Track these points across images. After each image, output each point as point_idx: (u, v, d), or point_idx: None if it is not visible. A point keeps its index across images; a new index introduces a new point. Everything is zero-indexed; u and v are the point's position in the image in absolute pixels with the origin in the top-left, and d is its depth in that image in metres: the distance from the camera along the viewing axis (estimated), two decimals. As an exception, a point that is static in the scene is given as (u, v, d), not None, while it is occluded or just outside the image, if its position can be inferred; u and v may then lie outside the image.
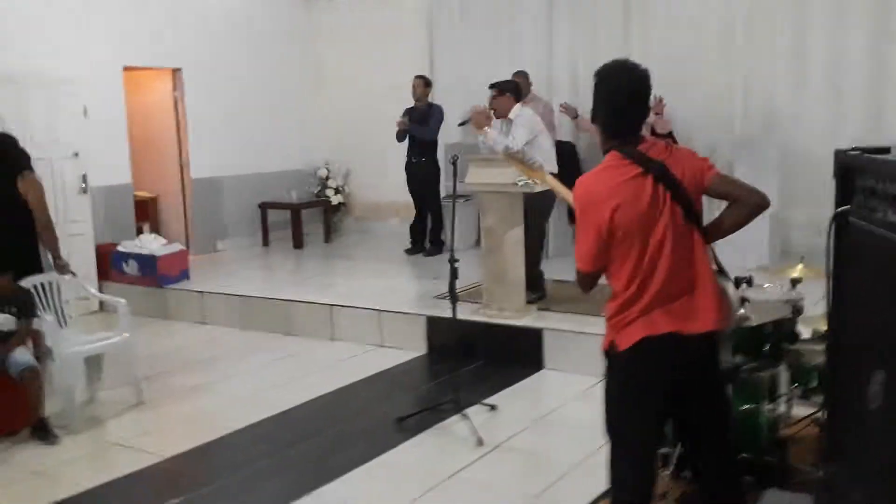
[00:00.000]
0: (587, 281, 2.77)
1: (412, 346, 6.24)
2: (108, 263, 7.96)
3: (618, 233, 2.61)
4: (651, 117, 6.88)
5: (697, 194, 2.67)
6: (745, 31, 7.87)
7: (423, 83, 8.74)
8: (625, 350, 2.65)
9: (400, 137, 8.67)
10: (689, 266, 2.63)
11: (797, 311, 3.90)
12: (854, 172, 2.29)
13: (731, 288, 2.81)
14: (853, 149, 2.30)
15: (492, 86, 6.60)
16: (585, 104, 8.41)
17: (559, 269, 6.67)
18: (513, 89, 6.50)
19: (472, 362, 5.80)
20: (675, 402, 2.74)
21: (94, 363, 5.35)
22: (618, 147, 2.68)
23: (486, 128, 6.15)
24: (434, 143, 8.69)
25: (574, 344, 5.60)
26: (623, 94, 2.69)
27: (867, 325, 2.25)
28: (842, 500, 2.44)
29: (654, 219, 2.59)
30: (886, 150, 2.11)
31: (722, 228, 2.73)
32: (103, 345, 5.31)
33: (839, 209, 2.34)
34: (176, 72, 9.15)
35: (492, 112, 6.37)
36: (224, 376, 5.92)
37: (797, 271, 4.03)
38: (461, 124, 6.97)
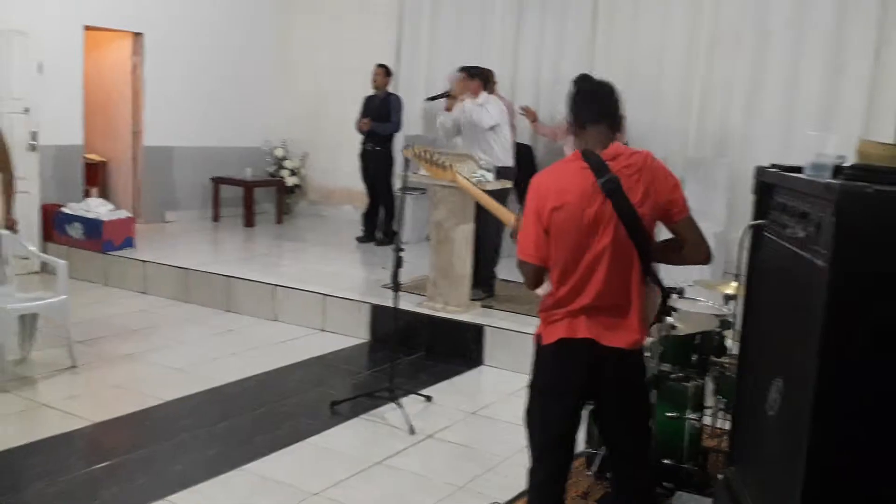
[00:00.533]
0: (527, 272, 2.77)
1: (354, 333, 6.25)
2: (53, 224, 7.83)
3: (552, 230, 2.64)
4: None
5: (654, 220, 2.67)
6: (705, 54, 8.03)
7: (384, 72, 8.72)
8: (546, 345, 2.73)
9: (361, 131, 8.64)
10: (624, 284, 2.64)
11: (726, 324, 4.00)
12: (771, 188, 2.37)
13: (657, 296, 2.83)
14: (771, 166, 2.38)
15: (462, 69, 6.66)
16: (546, 109, 8.69)
17: (506, 268, 6.72)
18: (481, 75, 6.59)
19: (412, 353, 5.85)
20: (594, 406, 2.85)
21: (28, 322, 5.26)
22: (584, 150, 2.68)
23: (466, 98, 6.24)
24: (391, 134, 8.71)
25: (514, 342, 5.66)
26: (588, 96, 2.74)
27: (771, 336, 2.33)
28: (735, 502, 2.54)
29: (595, 232, 2.59)
30: (799, 170, 2.19)
31: (662, 258, 2.80)
32: (39, 304, 5.22)
33: (753, 222, 2.42)
34: (137, 36, 9.01)
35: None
36: (159, 347, 5.86)
37: (731, 288, 4.13)
38: (433, 98, 6.93)
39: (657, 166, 2.66)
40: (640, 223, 2.59)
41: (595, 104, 2.72)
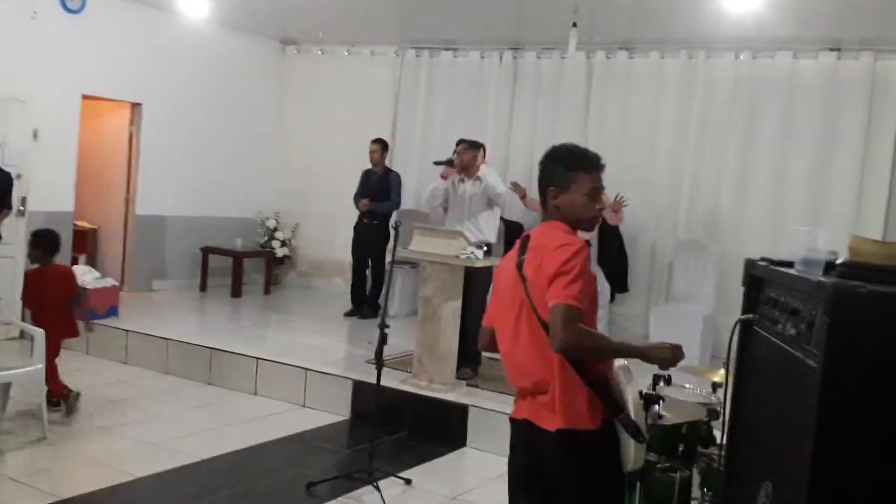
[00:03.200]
0: (480, 335, 2.87)
1: (335, 410, 6.11)
2: (37, 290, 7.72)
3: (490, 309, 2.77)
4: (608, 213, 7.03)
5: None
6: (696, 139, 8.14)
7: (381, 147, 8.76)
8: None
9: (361, 210, 8.64)
10: (544, 362, 2.51)
11: (714, 414, 3.90)
12: (761, 282, 2.33)
13: (628, 387, 2.58)
14: (761, 259, 2.34)
15: (461, 141, 6.70)
16: (536, 187, 8.72)
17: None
18: (481, 148, 6.63)
19: (394, 432, 5.71)
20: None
21: (0, 391, 5.13)
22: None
23: (482, 165, 6.45)
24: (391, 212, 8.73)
25: (499, 423, 5.51)
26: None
27: (760, 436, 2.25)
28: None
29: (512, 309, 2.60)
30: (790, 265, 2.14)
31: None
32: (11, 374, 5.08)
33: (742, 316, 2.37)
34: (136, 106, 9.07)
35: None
36: (135, 420, 5.70)
37: (719, 375, 4.05)
38: (439, 163, 6.88)
39: (552, 248, 2.49)
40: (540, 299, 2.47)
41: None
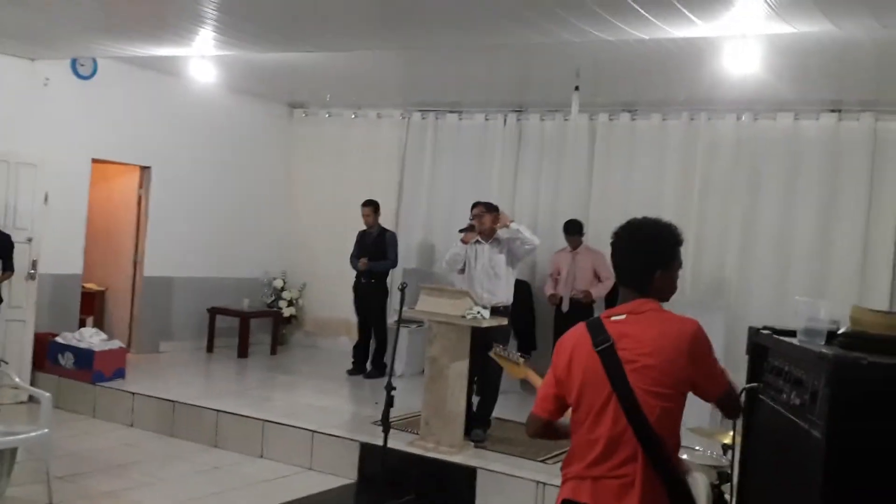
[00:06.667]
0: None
1: (342, 472, 6.06)
2: (45, 353, 7.74)
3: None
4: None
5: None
6: (699, 199, 8.21)
7: (373, 210, 8.81)
8: None
9: (357, 269, 8.70)
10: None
11: (724, 477, 3.86)
12: (765, 350, 2.34)
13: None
14: (764, 328, 2.36)
15: (476, 204, 6.71)
16: (541, 249, 8.77)
17: (502, 406, 6.59)
18: (497, 209, 6.63)
19: (401, 495, 5.63)
20: None
21: (7, 457, 5.10)
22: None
23: (510, 222, 6.41)
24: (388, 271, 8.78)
25: (508, 486, 5.49)
26: None
27: (769, 502, 2.25)
28: None
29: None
30: (792, 334, 2.16)
31: None
32: (18, 438, 5.07)
33: (747, 385, 2.38)
34: (145, 169, 9.19)
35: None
36: (140, 484, 5.67)
37: (728, 437, 4.02)
38: (464, 230, 6.85)
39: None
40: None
41: None
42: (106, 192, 9.20)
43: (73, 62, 8.24)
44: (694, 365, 2.36)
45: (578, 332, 2.53)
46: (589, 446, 2.45)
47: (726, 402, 2.44)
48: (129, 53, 7.35)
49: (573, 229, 8.23)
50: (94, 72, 8.47)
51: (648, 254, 2.48)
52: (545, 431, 2.67)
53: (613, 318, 2.46)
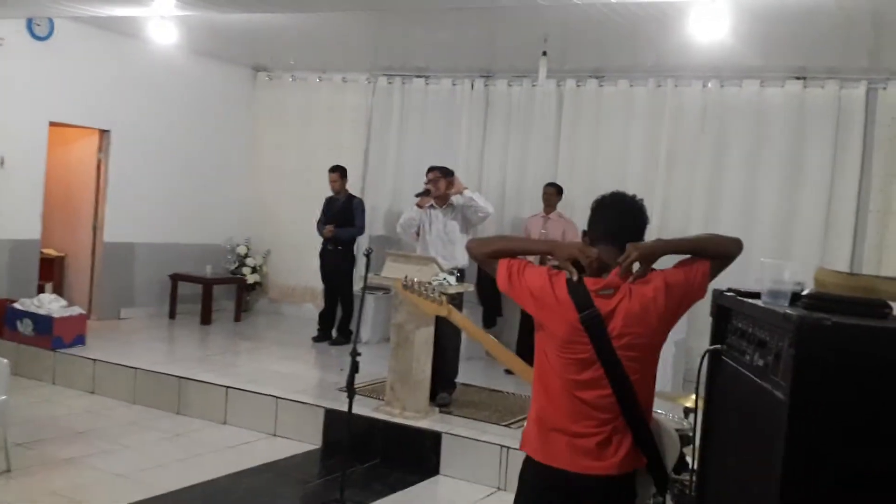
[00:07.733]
0: None
1: (307, 438, 6.05)
2: (3, 320, 7.59)
3: None
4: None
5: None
6: (665, 166, 8.25)
7: (340, 175, 8.71)
8: None
9: (325, 237, 8.62)
10: None
11: (686, 440, 3.89)
12: (729, 313, 2.35)
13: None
14: (728, 290, 2.37)
15: (432, 168, 6.71)
16: (509, 214, 8.79)
17: (467, 371, 6.62)
18: (452, 174, 6.66)
19: (366, 460, 5.65)
20: None
21: (-38, 424, 5.02)
22: None
23: (464, 189, 6.56)
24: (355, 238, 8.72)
25: (472, 451, 5.52)
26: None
27: (730, 463, 2.26)
28: None
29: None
30: (757, 296, 2.17)
31: None
32: (-25, 406, 4.99)
33: (711, 347, 2.39)
34: (104, 133, 9.00)
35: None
36: (102, 451, 5.60)
37: (691, 400, 4.05)
38: (420, 195, 6.86)
39: None
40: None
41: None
42: (64, 156, 9.00)
43: (29, 22, 8.00)
44: (678, 299, 2.51)
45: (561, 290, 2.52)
46: (567, 399, 2.50)
47: (716, 260, 2.52)
48: (87, 13, 7.12)
49: (555, 187, 8.18)
50: (51, 33, 8.24)
51: (638, 218, 2.73)
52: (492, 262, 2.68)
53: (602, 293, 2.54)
